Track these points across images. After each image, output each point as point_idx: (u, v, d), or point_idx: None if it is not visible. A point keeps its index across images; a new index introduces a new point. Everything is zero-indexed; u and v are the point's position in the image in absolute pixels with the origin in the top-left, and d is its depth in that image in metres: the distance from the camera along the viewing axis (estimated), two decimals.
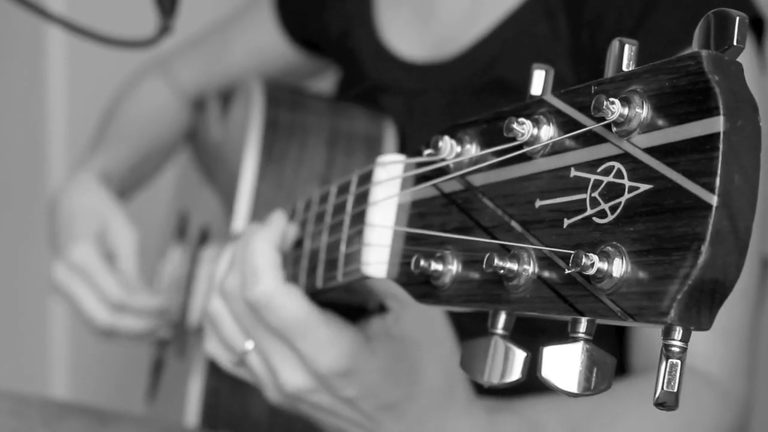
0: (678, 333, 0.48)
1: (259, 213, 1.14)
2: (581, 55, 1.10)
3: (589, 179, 0.53)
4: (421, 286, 0.64)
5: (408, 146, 1.21)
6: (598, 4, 1.09)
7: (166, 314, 1.27)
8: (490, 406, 0.88)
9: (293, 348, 0.81)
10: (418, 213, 0.67)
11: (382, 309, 0.85)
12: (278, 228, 0.84)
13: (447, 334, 0.86)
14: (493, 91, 1.16)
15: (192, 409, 1.18)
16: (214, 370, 1.17)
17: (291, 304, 0.79)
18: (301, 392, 0.83)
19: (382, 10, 1.30)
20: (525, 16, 1.15)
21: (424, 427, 0.84)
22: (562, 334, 0.53)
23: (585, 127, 0.53)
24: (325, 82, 1.57)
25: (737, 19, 0.48)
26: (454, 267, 0.61)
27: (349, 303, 0.89)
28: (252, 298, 0.80)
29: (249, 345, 0.85)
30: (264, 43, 1.46)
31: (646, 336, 1.05)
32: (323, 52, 1.41)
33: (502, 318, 0.59)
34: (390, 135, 1.21)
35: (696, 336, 1.01)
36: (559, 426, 0.91)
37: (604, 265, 0.49)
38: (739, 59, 0.49)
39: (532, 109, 0.57)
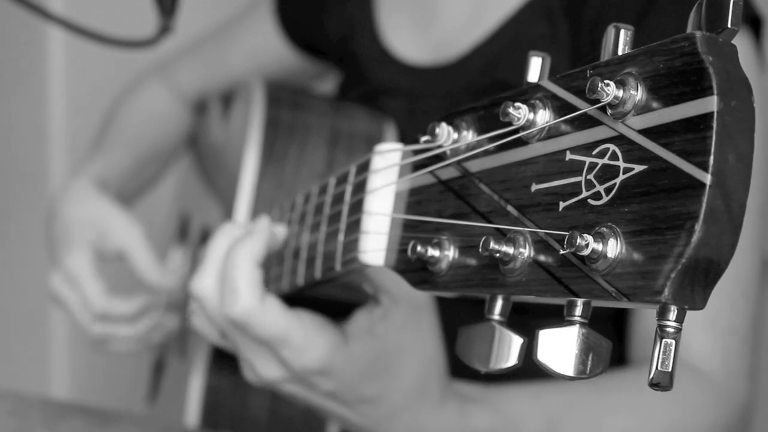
0: (673, 313, 0.48)
1: (260, 212, 1.14)
2: (581, 57, 1.10)
3: (584, 162, 0.53)
4: (419, 273, 0.64)
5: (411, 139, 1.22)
6: (598, 5, 1.09)
7: (148, 319, 1.27)
8: (465, 396, 0.89)
9: (272, 352, 0.83)
10: (415, 200, 0.67)
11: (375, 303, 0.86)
12: (262, 239, 0.83)
13: (432, 335, 0.86)
14: (493, 93, 1.16)
15: (192, 409, 1.18)
16: (214, 369, 1.17)
17: (268, 321, 0.80)
18: (276, 382, 0.85)
19: (383, 13, 1.30)
20: (525, 19, 1.15)
21: (394, 419, 0.86)
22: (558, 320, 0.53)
23: (580, 110, 0.53)
24: (326, 85, 1.57)
25: (732, 1, 0.49)
26: (451, 253, 0.61)
27: (349, 301, 0.89)
28: (231, 316, 0.81)
29: None
30: (264, 47, 1.46)
31: (644, 328, 1.06)
32: (323, 55, 1.42)
33: (499, 304, 0.59)
34: (390, 134, 1.22)
35: (697, 335, 1.02)
36: (537, 420, 0.91)
37: (599, 246, 0.49)
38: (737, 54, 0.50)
39: (529, 94, 0.58)
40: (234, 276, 0.81)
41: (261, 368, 0.85)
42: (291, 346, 0.81)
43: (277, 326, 0.80)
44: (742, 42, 1.04)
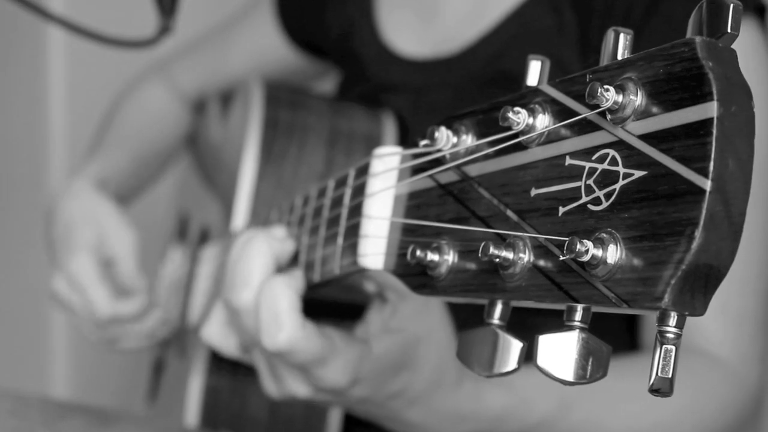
0: (673, 319, 0.48)
1: (259, 212, 1.14)
2: (590, 47, 1.10)
3: (584, 167, 0.53)
4: (418, 277, 0.64)
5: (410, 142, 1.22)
6: None
7: (156, 313, 1.27)
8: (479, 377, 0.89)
9: (303, 373, 0.83)
10: (414, 204, 0.67)
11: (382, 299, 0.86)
12: (300, 280, 0.82)
13: (442, 322, 0.87)
14: (498, 85, 1.16)
15: (192, 409, 1.18)
16: (214, 369, 1.17)
17: (309, 347, 0.79)
18: (304, 398, 0.85)
19: (384, 11, 1.30)
20: (529, 11, 1.15)
21: (413, 406, 0.86)
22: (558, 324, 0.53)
23: (580, 115, 0.53)
24: (326, 85, 1.57)
25: (731, 6, 0.48)
26: (450, 257, 0.61)
27: (352, 302, 0.89)
28: (274, 348, 0.79)
29: None
30: (264, 46, 1.46)
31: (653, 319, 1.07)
32: (324, 54, 1.42)
33: (498, 308, 0.59)
34: (390, 134, 1.22)
35: (709, 321, 1.03)
36: (550, 399, 0.91)
37: (599, 252, 0.49)
38: (745, 45, 0.49)
39: (528, 98, 0.57)
40: (275, 304, 0.79)
41: (290, 386, 0.84)
42: (328, 367, 0.80)
43: (317, 351, 0.79)
44: (748, 31, 1.03)
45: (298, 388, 0.84)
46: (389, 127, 1.22)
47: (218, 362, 1.18)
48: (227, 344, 0.90)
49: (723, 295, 1.01)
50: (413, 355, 0.84)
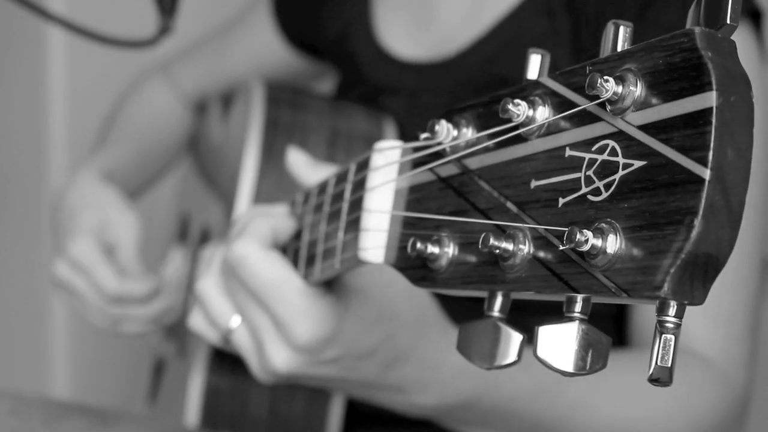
0: (672, 308, 0.48)
1: None
2: (583, 52, 1.10)
3: (583, 158, 0.53)
4: (418, 270, 0.64)
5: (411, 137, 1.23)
6: None
7: (163, 297, 1.28)
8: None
9: (271, 313, 0.83)
10: (415, 198, 0.67)
11: None
12: (282, 218, 0.86)
13: None
14: (493, 88, 1.16)
15: (192, 409, 1.18)
16: (214, 369, 1.17)
17: (266, 266, 0.81)
18: (286, 367, 0.85)
19: (380, 13, 1.30)
20: (524, 15, 1.16)
21: (405, 362, 0.87)
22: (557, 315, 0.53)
23: (580, 106, 0.54)
24: (326, 85, 1.57)
25: None
26: (451, 250, 0.61)
27: None
28: (230, 257, 0.82)
29: (234, 323, 0.87)
30: (263, 47, 1.46)
31: (642, 316, 1.07)
32: (321, 55, 1.42)
33: (498, 300, 0.59)
34: (390, 134, 1.22)
35: (698, 323, 1.03)
36: (523, 382, 0.92)
37: (598, 242, 0.49)
38: (740, 51, 0.50)
39: (528, 91, 0.58)
40: (245, 225, 0.84)
41: (269, 352, 0.84)
42: (290, 304, 0.81)
43: (275, 274, 0.81)
44: (743, 36, 1.04)
45: (276, 351, 0.84)
46: (389, 127, 1.23)
47: (218, 362, 1.18)
48: (210, 333, 0.91)
49: (713, 297, 1.01)
50: (381, 305, 0.85)
